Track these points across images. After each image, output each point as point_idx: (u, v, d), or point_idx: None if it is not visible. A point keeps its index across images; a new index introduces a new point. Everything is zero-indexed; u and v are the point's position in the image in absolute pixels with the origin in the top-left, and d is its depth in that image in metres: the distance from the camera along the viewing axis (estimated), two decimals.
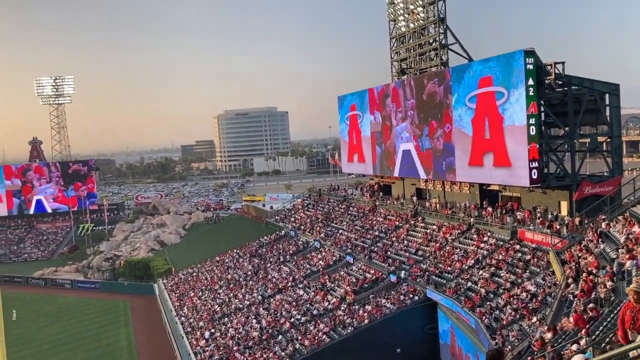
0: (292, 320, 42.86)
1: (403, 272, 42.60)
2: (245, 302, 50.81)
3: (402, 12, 56.83)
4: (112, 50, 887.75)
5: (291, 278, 51.75)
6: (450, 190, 50.85)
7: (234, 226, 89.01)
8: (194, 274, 66.43)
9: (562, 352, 15.02)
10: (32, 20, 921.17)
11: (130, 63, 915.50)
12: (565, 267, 27.25)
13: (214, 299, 54.80)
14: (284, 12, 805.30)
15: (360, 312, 39.61)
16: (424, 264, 42.77)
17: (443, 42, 51.41)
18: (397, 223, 52.58)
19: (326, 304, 43.25)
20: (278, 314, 45.16)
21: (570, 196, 38.28)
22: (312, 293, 46.50)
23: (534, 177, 37.59)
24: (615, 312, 16.68)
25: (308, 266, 53.25)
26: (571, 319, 19.01)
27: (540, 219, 38.62)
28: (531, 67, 37.11)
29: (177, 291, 62.56)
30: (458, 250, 41.91)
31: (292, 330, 41.44)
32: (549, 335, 20.17)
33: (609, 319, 17.19)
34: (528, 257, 35.63)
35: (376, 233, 53.11)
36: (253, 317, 46.44)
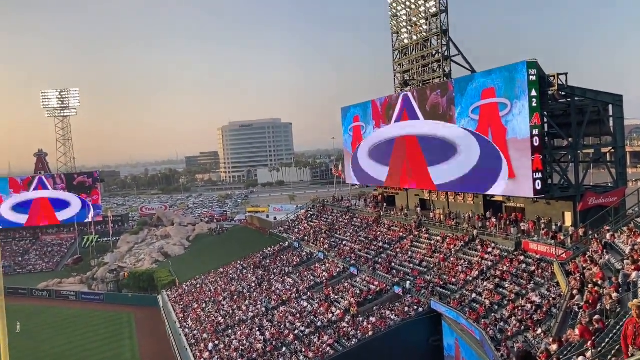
0: (296, 332, 42.74)
1: (408, 282, 42.49)
2: (249, 313, 50.72)
3: (404, 24, 57.13)
4: (117, 62, 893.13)
5: (295, 290, 51.65)
6: (454, 201, 50.80)
7: (238, 237, 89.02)
8: (198, 285, 66.38)
9: None
10: (38, 33, 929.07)
11: (135, 75, 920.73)
12: (570, 278, 27.13)
13: (218, 311, 54.72)
14: (288, 24, 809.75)
15: (365, 324, 39.47)
16: (428, 276, 42.66)
17: (446, 54, 51.62)
18: (401, 234, 52.52)
19: (330, 315, 43.13)
20: (282, 326, 45.04)
21: (574, 207, 38.19)
22: (316, 305, 46.39)
23: (538, 188, 37.54)
24: (621, 323, 16.61)
25: (312, 277, 53.16)
26: (577, 331, 18.90)
27: (545, 229, 38.54)
28: (534, 78, 37.20)
29: (181, 303, 62.51)
30: (462, 261, 41.81)
31: (296, 342, 41.31)
32: (554, 347, 20.05)
33: (615, 331, 17.11)
34: (532, 268, 35.53)
35: (380, 244, 53.04)
36: (257, 329, 46.33)
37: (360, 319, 40.59)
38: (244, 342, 44.73)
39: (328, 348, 38.51)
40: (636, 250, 22.60)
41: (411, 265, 45.75)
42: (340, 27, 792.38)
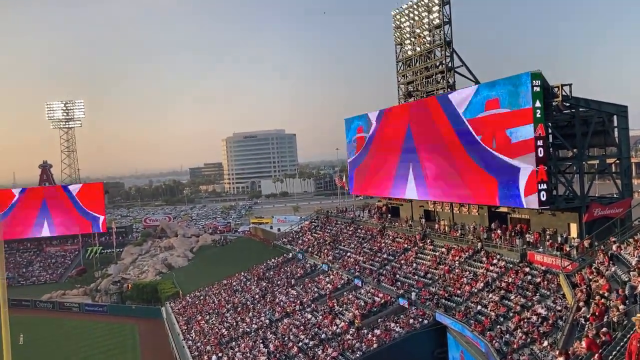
0: (300, 344, 42.47)
1: (414, 293, 42.26)
2: (253, 326, 50.47)
3: (408, 36, 57.35)
4: (122, 74, 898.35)
5: (299, 301, 51.43)
6: (459, 213, 50.64)
7: (242, 249, 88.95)
8: (202, 297, 66.20)
9: None
10: (43, 45, 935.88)
11: (140, 86, 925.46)
12: (576, 290, 26.92)
13: (222, 323, 54.49)
14: (292, 35, 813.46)
15: (369, 336, 39.21)
16: (433, 287, 42.43)
17: (449, 65, 51.73)
18: (406, 245, 52.33)
19: (334, 328, 42.87)
20: (286, 338, 44.78)
21: (579, 218, 37.98)
22: (320, 317, 46.14)
23: (543, 199, 37.39)
24: (628, 337, 16.43)
25: (316, 289, 52.95)
26: (583, 344, 18.74)
27: (550, 241, 38.33)
28: (538, 89, 37.15)
29: (185, 315, 62.30)
30: (467, 273, 41.58)
31: (300, 354, 41.02)
32: (561, 359, 19.86)
33: (622, 344, 16.94)
34: (538, 279, 35.28)
35: (384, 256, 52.85)
36: (260, 341, 46.06)
37: (365, 331, 40.33)
38: (248, 354, 44.46)
39: None
40: None
41: (416, 277, 45.53)
42: (344, 37, 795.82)
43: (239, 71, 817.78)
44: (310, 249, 65.90)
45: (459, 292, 39.48)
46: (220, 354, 46.68)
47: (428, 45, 54.19)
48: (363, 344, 38.63)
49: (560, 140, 39.47)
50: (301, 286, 55.83)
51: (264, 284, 60.92)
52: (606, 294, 22.43)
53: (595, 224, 35.83)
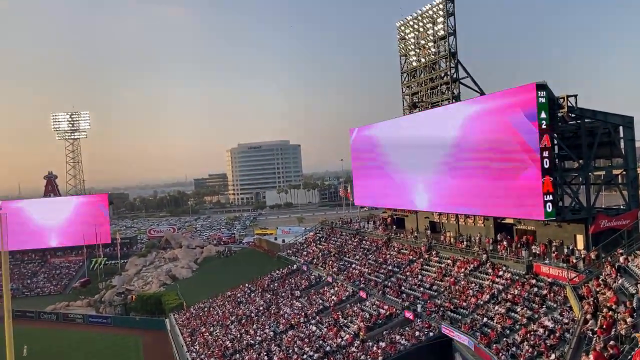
0: (305, 357, 42.15)
1: (419, 305, 41.98)
2: (257, 338, 50.18)
3: (413, 47, 57.47)
4: (127, 86, 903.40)
5: (303, 313, 51.15)
6: (465, 224, 50.41)
7: (246, 260, 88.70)
8: (206, 309, 65.94)
9: None
10: (50, 57, 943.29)
11: (145, 98, 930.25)
12: (583, 302, 26.64)
13: (226, 335, 54.21)
14: (297, 47, 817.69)
15: (374, 348, 38.89)
16: (438, 299, 42.14)
17: (454, 76, 51.77)
18: (411, 257, 52.08)
19: (339, 340, 42.57)
20: (290, 351, 44.46)
21: (586, 230, 37.75)
22: (325, 329, 45.85)
23: (549, 210, 37.19)
24: (632, 353, 16.23)
25: (320, 301, 52.67)
26: (591, 357, 18.48)
27: (555, 252, 38.06)
28: (543, 100, 37.09)
29: (189, 326, 62.04)
30: (473, 285, 41.30)
31: None
32: None
33: (629, 357, 16.72)
34: (544, 292, 35.00)
35: (390, 267, 52.58)
36: (265, 353, 45.75)
37: (370, 343, 40.02)
38: None
39: None
40: None
41: (421, 289, 45.24)
42: (350, 49, 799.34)
43: (244, 82, 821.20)
44: (314, 260, 65.66)
45: (464, 304, 39.19)
46: None
47: (433, 56, 54.28)
48: (368, 356, 38.31)
49: (566, 151, 39.35)
50: (306, 298, 55.56)
51: (269, 296, 60.65)
52: (614, 307, 22.18)
53: (602, 236, 35.57)
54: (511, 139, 39.49)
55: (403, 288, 46.87)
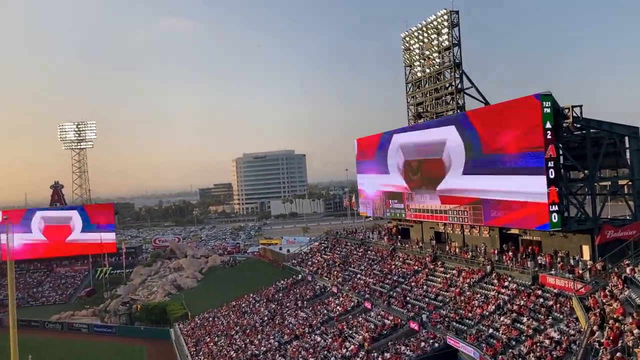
0: None
1: (424, 316, 41.80)
2: (262, 348, 50.06)
3: (417, 57, 57.65)
4: (133, 95, 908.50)
5: (308, 324, 51.01)
6: (470, 234, 50.26)
7: (251, 270, 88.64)
8: (210, 318, 65.88)
9: None
10: (57, 66, 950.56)
11: (150, 107, 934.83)
12: (590, 313, 26.53)
13: (230, 345, 54.12)
14: (302, 57, 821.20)
15: (379, 359, 38.73)
16: (443, 310, 41.95)
17: (459, 86, 51.87)
18: (416, 267, 51.93)
19: (344, 351, 42.41)
20: None
21: (592, 240, 37.57)
22: (330, 339, 45.69)
23: (555, 220, 37.07)
24: None
25: (325, 312, 52.53)
26: None
27: (561, 263, 37.89)
28: (548, 110, 37.08)
29: (193, 336, 61.98)
30: (478, 295, 41.11)
31: None
32: None
33: None
34: (550, 302, 34.79)
35: (395, 278, 52.43)
36: None
37: (375, 354, 39.85)
38: None
39: None
40: None
41: (426, 299, 45.07)
42: (355, 59, 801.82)
43: (249, 92, 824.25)
44: (319, 270, 65.55)
45: (470, 314, 39.00)
46: None
47: (437, 67, 54.42)
48: None
49: (571, 161, 39.28)
50: (310, 308, 55.43)
51: (273, 306, 60.55)
52: (620, 318, 22.08)
53: (608, 247, 35.40)
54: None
55: (408, 298, 46.71)
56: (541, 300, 35.87)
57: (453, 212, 48.75)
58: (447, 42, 52.39)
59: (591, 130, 38.88)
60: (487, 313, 38.03)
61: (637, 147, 38.89)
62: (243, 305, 65.60)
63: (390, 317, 44.64)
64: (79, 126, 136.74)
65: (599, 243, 36.26)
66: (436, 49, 54.15)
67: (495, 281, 41.43)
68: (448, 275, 46.89)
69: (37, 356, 64.04)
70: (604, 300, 26.23)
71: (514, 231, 44.31)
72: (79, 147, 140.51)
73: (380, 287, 51.78)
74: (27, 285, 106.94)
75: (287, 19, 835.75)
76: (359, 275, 57.69)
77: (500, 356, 32.19)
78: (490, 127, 42.59)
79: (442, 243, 54.51)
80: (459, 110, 51.14)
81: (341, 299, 54.08)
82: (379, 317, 46.17)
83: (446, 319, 39.97)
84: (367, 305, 49.34)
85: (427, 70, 56.23)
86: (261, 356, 48.44)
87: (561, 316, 32.92)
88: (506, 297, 38.55)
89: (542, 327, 32.99)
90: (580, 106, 37.44)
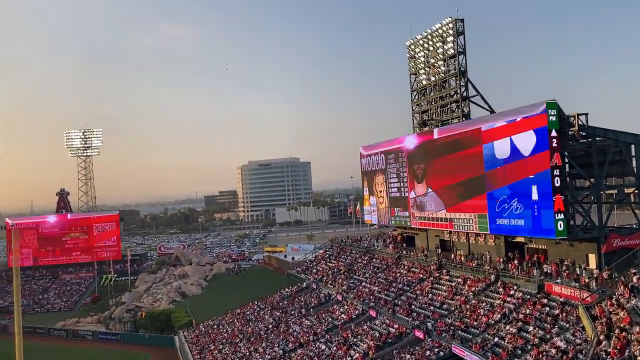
0: None
1: (429, 324, 41.63)
2: (266, 356, 49.94)
3: (422, 65, 57.74)
4: (138, 103, 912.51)
5: (313, 332, 50.88)
6: (475, 242, 50.12)
7: (256, 277, 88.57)
8: (215, 326, 65.81)
9: None
10: (63, 74, 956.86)
11: (156, 114, 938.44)
12: (596, 322, 26.38)
13: (235, 353, 54.01)
14: (306, 65, 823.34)
15: None
16: (449, 318, 41.77)
17: (464, 94, 51.91)
18: (421, 276, 51.77)
19: (349, 359, 42.26)
20: None
21: (598, 249, 37.40)
22: (335, 348, 45.55)
23: (560, 229, 36.94)
24: None
25: (330, 320, 52.39)
26: None
27: (567, 272, 37.71)
28: (554, 118, 37.06)
29: (198, 344, 61.91)
30: (484, 304, 40.93)
31: None
32: None
33: None
34: (556, 311, 34.59)
35: (400, 286, 52.28)
36: None
37: None
38: None
39: None
40: None
41: (432, 307, 44.90)
42: (361, 67, 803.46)
43: (254, 99, 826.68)
44: (324, 278, 65.44)
45: (475, 323, 38.82)
46: None
47: (443, 74, 54.50)
48: None
49: (577, 169, 39.19)
50: (315, 316, 55.31)
51: (278, 314, 60.45)
52: (627, 327, 21.94)
53: (615, 255, 35.24)
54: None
55: (413, 307, 46.55)
56: (547, 309, 35.67)
57: (458, 220, 48.74)
58: (452, 50, 52.47)
59: (597, 138, 38.81)
60: (492, 322, 37.85)
61: None
62: (248, 312, 65.53)
63: (395, 326, 44.48)
64: (85, 133, 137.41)
65: (605, 252, 36.14)
66: (441, 57, 54.24)
67: (501, 289, 41.25)
68: (453, 284, 46.72)
69: None
70: (610, 310, 26.09)
71: (520, 239, 44.18)
72: (84, 154, 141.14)
73: (385, 295, 51.64)
74: (32, 292, 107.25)
75: (293, 25, 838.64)
76: (363, 283, 57.57)
77: None
78: None
79: (448, 251, 54.37)
80: (464, 118, 51.15)
81: (346, 307, 53.95)
82: (383, 325, 46.02)
83: (451, 328, 39.79)
84: (372, 313, 49.20)
85: (433, 78, 56.31)
86: None
87: (567, 325, 32.72)
88: (512, 306, 38.36)
89: (548, 336, 32.80)
90: (586, 114, 37.41)
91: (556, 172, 36.98)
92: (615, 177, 41.86)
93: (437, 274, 50.22)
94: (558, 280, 37.50)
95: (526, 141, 39.13)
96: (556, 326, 33.30)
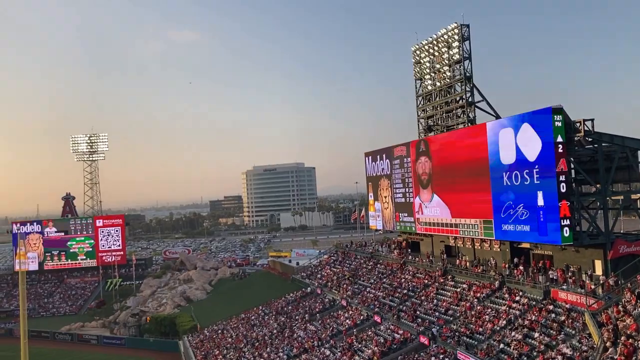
0: None
1: (434, 330, 41.44)
2: None
3: (428, 71, 57.74)
4: (144, 108, 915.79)
5: (317, 337, 50.75)
6: (480, 248, 49.95)
7: (260, 282, 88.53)
8: (219, 331, 65.75)
9: None
10: (68, 79, 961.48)
11: (161, 120, 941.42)
12: (603, 329, 26.22)
13: (239, 358, 53.92)
14: (313, 71, 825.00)
15: None
16: (454, 324, 41.58)
17: (470, 99, 51.83)
18: (426, 281, 51.58)
19: None
20: None
21: (604, 255, 37.18)
22: (339, 353, 45.36)
23: (566, 235, 36.78)
24: None
25: (334, 325, 52.25)
26: None
27: (573, 278, 37.51)
28: (559, 124, 36.96)
29: (202, 349, 61.85)
30: (489, 310, 40.72)
31: None
32: None
33: None
34: (562, 318, 34.38)
35: (404, 291, 52.10)
36: None
37: None
38: None
39: None
40: None
41: (437, 313, 44.71)
42: (366, 73, 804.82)
43: (259, 105, 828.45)
44: (329, 283, 65.31)
45: (480, 329, 38.61)
46: None
47: (448, 80, 54.45)
48: None
49: (583, 175, 39.04)
50: (319, 321, 55.17)
51: (282, 319, 60.34)
52: (634, 334, 21.79)
53: (621, 261, 35.04)
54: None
55: (418, 312, 46.37)
56: (553, 315, 35.45)
57: (463, 225, 48.64)
58: (457, 56, 52.44)
59: (603, 144, 38.65)
60: (498, 328, 37.64)
61: None
62: (252, 317, 65.44)
63: (400, 331, 44.31)
64: (91, 138, 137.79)
65: (612, 258, 35.92)
66: (447, 62, 54.22)
67: (507, 295, 41.03)
68: (458, 289, 46.52)
69: None
70: (617, 316, 25.93)
71: (525, 245, 43.99)
72: (90, 158, 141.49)
73: (390, 301, 51.46)
74: (37, 296, 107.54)
75: (299, 31, 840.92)
76: (368, 289, 57.41)
77: None
78: None
79: (453, 257, 54.18)
80: (469, 124, 51.08)
81: (350, 312, 53.80)
82: (388, 331, 45.84)
83: (456, 334, 39.59)
84: (377, 319, 49.04)
85: (438, 84, 56.27)
86: None
87: (573, 332, 32.51)
88: (517, 312, 38.14)
89: (554, 342, 32.57)
90: (592, 120, 37.25)
91: (562, 177, 36.85)
92: (621, 183, 41.64)
93: (442, 280, 50.03)
94: (564, 287, 37.29)
95: (532, 147, 39.08)
96: (562, 333, 33.08)
